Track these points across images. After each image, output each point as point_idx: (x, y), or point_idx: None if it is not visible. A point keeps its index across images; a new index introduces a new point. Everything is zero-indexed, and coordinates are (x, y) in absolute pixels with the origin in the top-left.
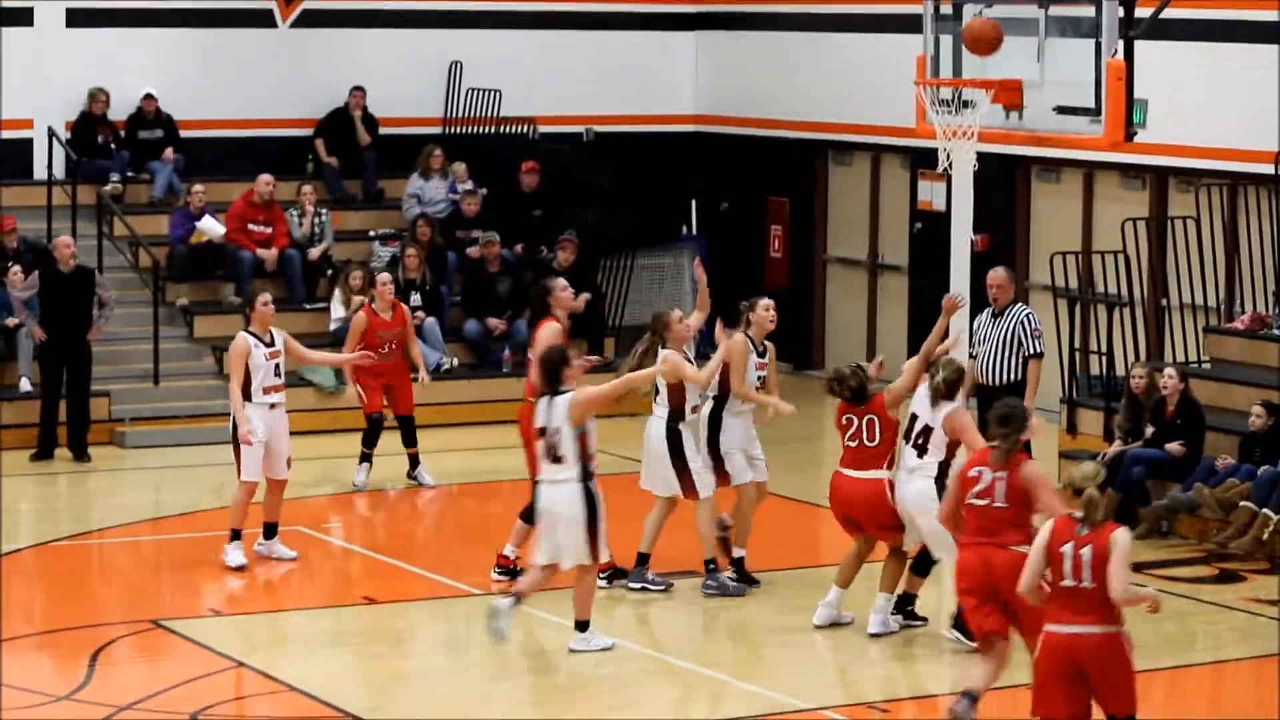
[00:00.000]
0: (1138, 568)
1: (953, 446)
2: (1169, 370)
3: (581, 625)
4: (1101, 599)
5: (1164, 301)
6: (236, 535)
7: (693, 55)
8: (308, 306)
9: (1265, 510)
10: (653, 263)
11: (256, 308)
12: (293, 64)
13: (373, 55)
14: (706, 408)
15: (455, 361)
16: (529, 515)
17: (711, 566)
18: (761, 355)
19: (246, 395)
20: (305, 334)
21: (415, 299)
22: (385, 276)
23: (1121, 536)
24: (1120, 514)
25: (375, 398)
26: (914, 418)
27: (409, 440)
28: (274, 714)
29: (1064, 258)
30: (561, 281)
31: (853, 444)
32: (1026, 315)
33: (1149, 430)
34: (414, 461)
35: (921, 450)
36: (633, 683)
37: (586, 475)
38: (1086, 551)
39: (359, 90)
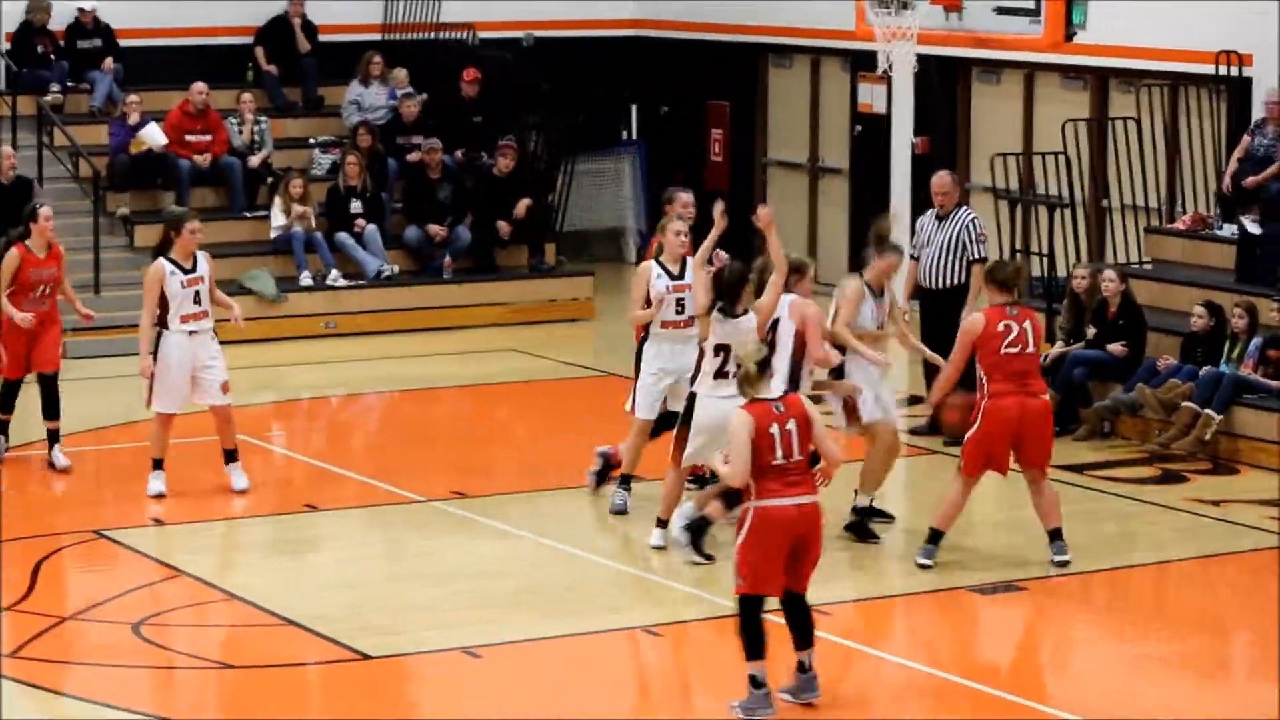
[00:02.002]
0: (1080, 469)
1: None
2: (1109, 272)
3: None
4: (806, 469)
5: (1105, 202)
6: (158, 464)
7: None
8: (248, 215)
9: (1207, 411)
10: (593, 168)
11: (183, 235)
12: None
13: None
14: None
15: (396, 268)
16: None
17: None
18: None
19: (164, 323)
20: (246, 242)
21: (356, 206)
22: (48, 211)
23: (809, 403)
24: (1062, 415)
25: (17, 360)
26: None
27: (50, 410)
28: (217, 622)
29: (1004, 159)
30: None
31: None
32: (972, 220)
33: (1090, 331)
34: (53, 438)
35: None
36: (580, 588)
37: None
38: (793, 425)
39: None
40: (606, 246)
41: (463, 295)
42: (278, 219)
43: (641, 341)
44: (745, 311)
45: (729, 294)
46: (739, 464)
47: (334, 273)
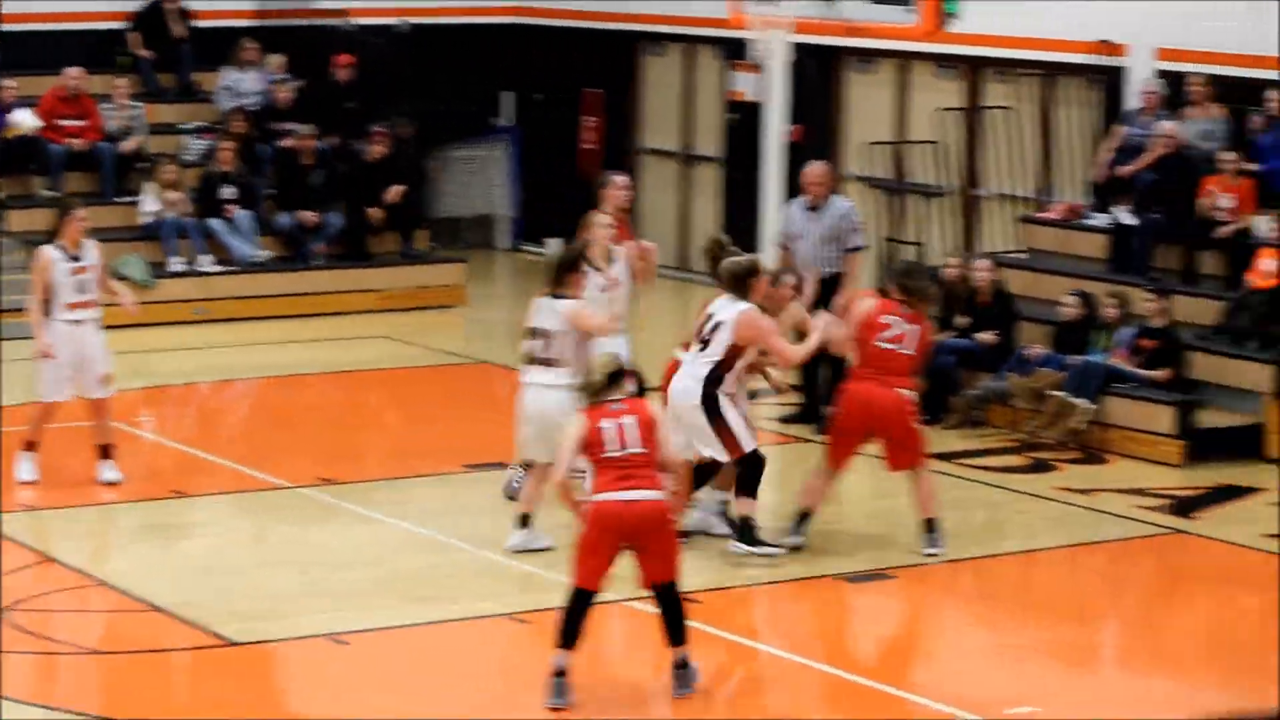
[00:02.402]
0: (950, 457)
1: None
2: (981, 262)
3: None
4: (648, 464)
5: (978, 191)
6: (30, 448)
7: None
8: (119, 200)
9: (1077, 400)
10: (467, 155)
11: (71, 221)
12: None
13: None
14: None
15: (268, 254)
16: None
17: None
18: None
19: (47, 311)
20: (116, 228)
21: (228, 192)
22: None
23: (655, 406)
24: (931, 403)
25: None
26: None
27: None
28: (85, 608)
29: (878, 148)
30: (622, 179)
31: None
32: (849, 209)
33: (962, 320)
34: None
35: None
36: (448, 575)
37: None
38: (629, 420)
39: None
40: (478, 233)
41: (334, 281)
42: (149, 204)
43: None
44: (568, 296)
45: (555, 276)
46: (559, 462)
47: (205, 258)
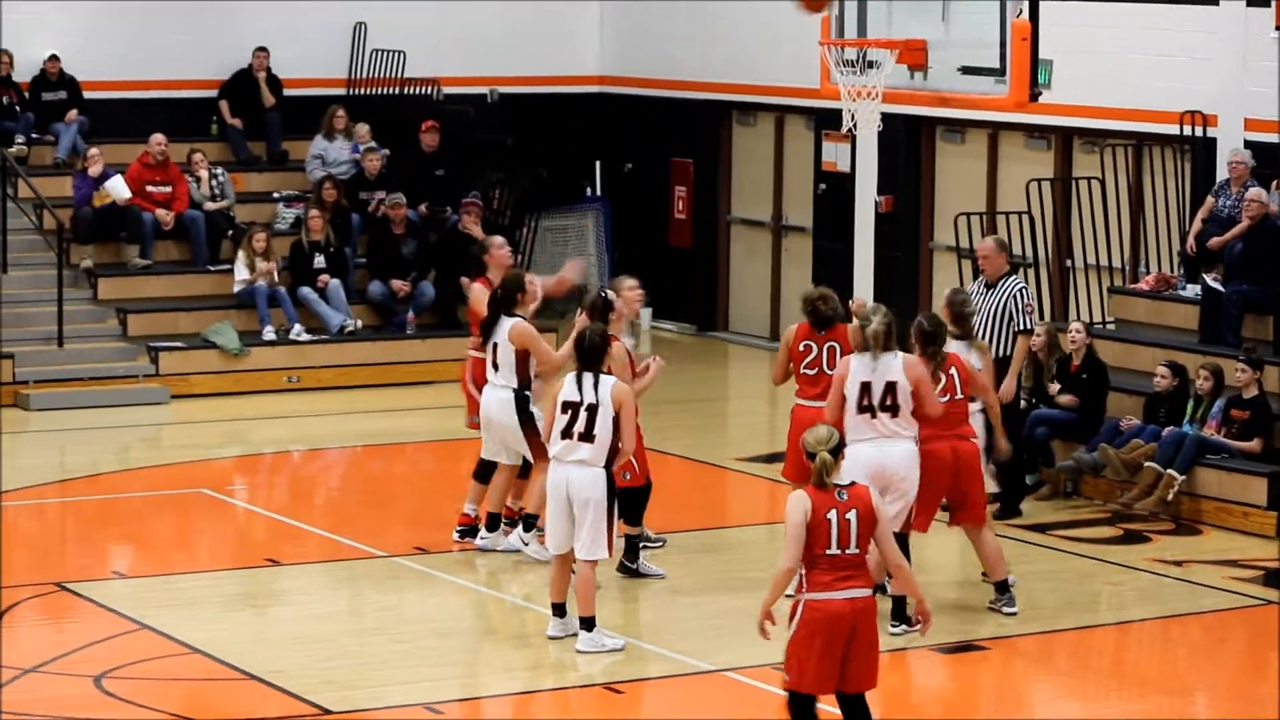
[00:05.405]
0: (1043, 529)
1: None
2: (1075, 324)
3: (587, 623)
4: (863, 563)
5: (1069, 262)
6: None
7: (597, 16)
8: (211, 269)
9: (1169, 471)
10: (557, 224)
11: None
12: (197, 25)
13: (277, 16)
14: None
15: (359, 323)
16: (482, 474)
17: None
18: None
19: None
20: (209, 296)
21: (319, 261)
22: None
23: (877, 498)
24: (1024, 473)
25: None
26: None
27: None
28: (178, 675)
29: (968, 219)
30: (498, 240)
31: (810, 372)
32: (1021, 289)
33: (1055, 388)
34: None
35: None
36: (535, 645)
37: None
38: (852, 516)
39: (262, 51)
40: (570, 303)
41: (426, 350)
42: (241, 273)
43: None
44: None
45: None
46: (790, 549)
47: (297, 327)
